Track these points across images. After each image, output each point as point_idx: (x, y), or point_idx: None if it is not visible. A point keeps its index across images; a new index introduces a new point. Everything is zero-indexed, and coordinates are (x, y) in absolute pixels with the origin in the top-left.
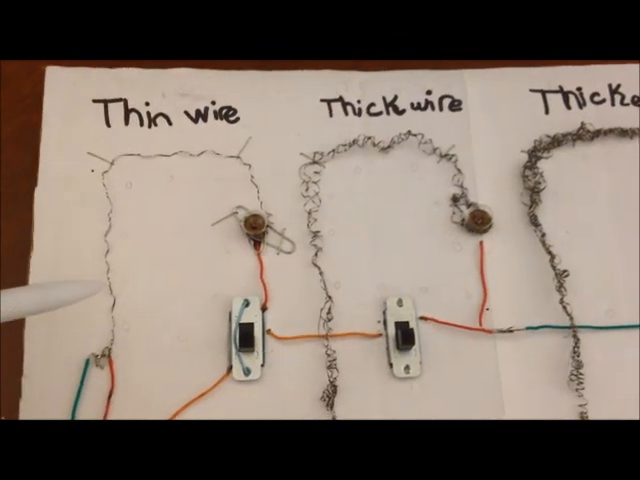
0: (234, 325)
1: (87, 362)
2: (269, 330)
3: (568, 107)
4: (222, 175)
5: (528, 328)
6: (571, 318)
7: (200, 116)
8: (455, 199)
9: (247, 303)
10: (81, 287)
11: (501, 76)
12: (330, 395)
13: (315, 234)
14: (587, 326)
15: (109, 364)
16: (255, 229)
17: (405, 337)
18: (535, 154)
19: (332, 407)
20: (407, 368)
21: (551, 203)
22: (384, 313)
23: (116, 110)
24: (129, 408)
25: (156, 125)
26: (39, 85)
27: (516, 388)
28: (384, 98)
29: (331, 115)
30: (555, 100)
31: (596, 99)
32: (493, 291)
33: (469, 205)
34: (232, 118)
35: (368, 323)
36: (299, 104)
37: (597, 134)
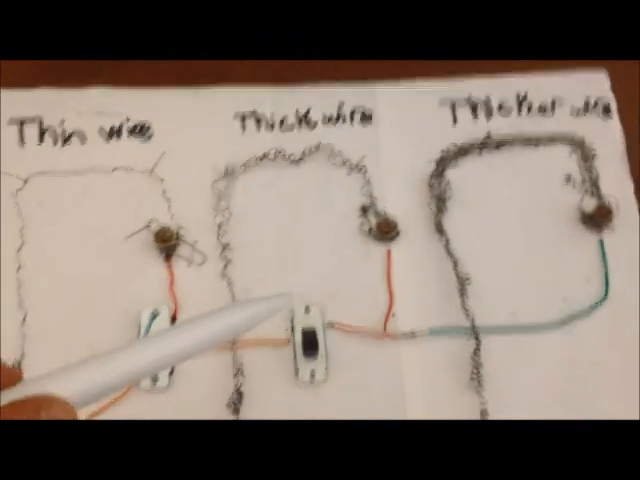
0: (142, 336)
1: None
2: None
3: (476, 117)
4: (135, 191)
5: (431, 332)
6: (472, 320)
7: (114, 133)
8: (364, 209)
9: (156, 314)
10: (268, 304)
11: (411, 89)
12: (236, 402)
13: (225, 246)
14: (486, 326)
15: None
16: (165, 241)
17: (308, 343)
18: (442, 163)
19: (238, 413)
20: (313, 374)
21: (458, 211)
22: (291, 321)
23: (31, 129)
24: None
25: (69, 144)
26: None
27: (419, 390)
28: (297, 111)
29: (244, 130)
30: (463, 111)
31: (503, 109)
32: (399, 298)
33: (377, 215)
34: (146, 134)
35: (277, 331)
36: (213, 120)
37: (503, 143)
